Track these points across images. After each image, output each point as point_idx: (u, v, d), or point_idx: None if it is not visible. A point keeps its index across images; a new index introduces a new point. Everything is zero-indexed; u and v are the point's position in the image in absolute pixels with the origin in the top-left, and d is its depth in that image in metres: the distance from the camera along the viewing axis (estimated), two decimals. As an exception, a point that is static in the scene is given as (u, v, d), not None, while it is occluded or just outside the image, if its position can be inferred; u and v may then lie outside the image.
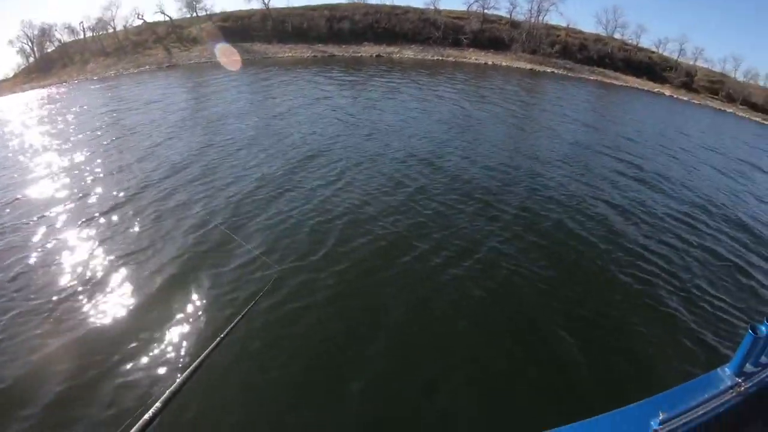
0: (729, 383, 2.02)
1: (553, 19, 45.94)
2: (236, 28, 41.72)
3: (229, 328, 2.06)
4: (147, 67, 42.28)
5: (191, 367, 1.60)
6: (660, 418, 1.74)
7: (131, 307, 5.03)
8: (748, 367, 2.13)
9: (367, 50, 38.80)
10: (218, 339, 1.92)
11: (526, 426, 1.66)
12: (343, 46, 39.14)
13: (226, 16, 43.39)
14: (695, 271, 6.50)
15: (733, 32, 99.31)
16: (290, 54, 39.39)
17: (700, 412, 1.85)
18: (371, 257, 5.96)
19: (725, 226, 8.50)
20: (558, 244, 6.73)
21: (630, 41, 47.11)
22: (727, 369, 2.12)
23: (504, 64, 39.64)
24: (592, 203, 8.51)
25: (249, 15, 42.54)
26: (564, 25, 45.27)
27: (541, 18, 43.86)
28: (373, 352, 4.39)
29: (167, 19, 45.79)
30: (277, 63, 35.96)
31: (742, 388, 1.98)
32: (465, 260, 6.04)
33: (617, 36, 46.62)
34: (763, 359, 2.16)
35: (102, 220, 7.34)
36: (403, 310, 5.03)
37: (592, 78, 40.48)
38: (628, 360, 4.53)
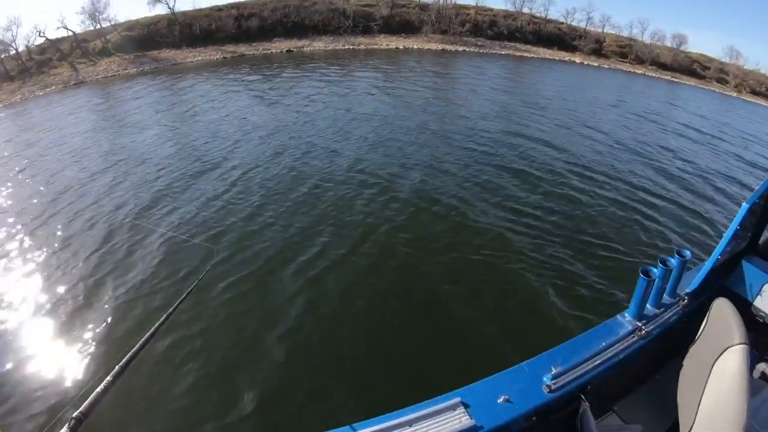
0: (630, 328, 1.96)
1: (461, -1, 47.20)
2: (143, 36, 40.57)
3: (177, 303, 2.04)
4: (53, 87, 40.46)
5: (140, 341, 1.58)
6: (552, 372, 1.67)
7: (71, 303, 5.33)
8: (650, 309, 2.07)
9: (278, 46, 38.65)
10: (167, 313, 1.89)
11: (424, 391, 1.76)
12: (254, 44, 38.85)
13: (131, 25, 42.10)
14: (589, 223, 6.80)
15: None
16: (200, 58, 38.70)
17: (599, 361, 1.76)
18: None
19: (621, 176, 9.22)
20: (448, 208, 7.10)
21: (538, 14, 49.04)
22: (626, 314, 2.05)
23: (416, 47, 40.45)
24: (494, 169, 8.99)
25: (155, 21, 41.46)
26: (473, 3, 46.59)
27: (450, -1, 45.00)
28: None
29: (70, 33, 43.95)
30: (186, 69, 35.34)
31: (644, 331, 1.93)
32: (361, 242, 6.29)
33: (526, 11, 48.40)
34: (666, 299, 2.13)
35: (23, 237, 7.53)
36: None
37: (503, 53, 41.93)
38: (525, 318, 4.62)
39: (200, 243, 6.18)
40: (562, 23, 49.55)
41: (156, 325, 1.73)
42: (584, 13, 50.66)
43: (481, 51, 41.49)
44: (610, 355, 1.81)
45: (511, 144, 11.02)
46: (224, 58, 38.36)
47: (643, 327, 1.96)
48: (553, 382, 1.66)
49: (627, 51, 48.74)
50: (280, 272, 5.57)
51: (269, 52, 38.37)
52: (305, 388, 3.98)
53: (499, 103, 16.71)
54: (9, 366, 4.50)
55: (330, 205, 7.35)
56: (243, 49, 38.49)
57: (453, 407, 1.57)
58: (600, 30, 51.49)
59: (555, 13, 61.15)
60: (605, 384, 1.83)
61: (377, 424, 1.52)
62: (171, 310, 1.93)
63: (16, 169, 12.98)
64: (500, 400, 1.60)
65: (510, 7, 47.79)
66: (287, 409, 3.77)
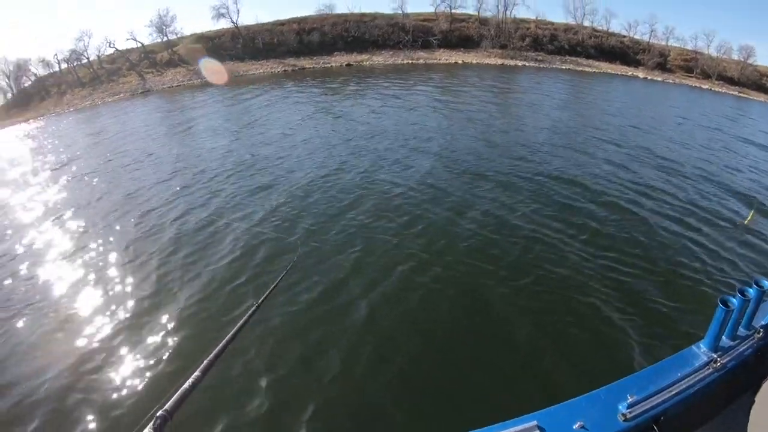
0: (705, 359, 1.94)
1: (520, 12, 46.11)
2: (208, 48, 41.94)
3: (261, 299, 2.16)
4: (122, 94, 42.56)
5: (227, 337, 1.64)
6: (628, 401, 1.67)
7: (153, 302, 5.38)
8: (725, 341, 2.03)
9: (338, 60, 39.04)
10: (251, 309, 1.97)
11: (486, 416, 1.69)
12: (314, 58, 39.39)
13: (197, 38, 43.64)
14: (661, 247, 6.41)
15: (701, 7, 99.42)
16: (262, 70, 39.65)
17: (674, 392, 1.77)
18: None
19: (698, 198, 8.56)
20: (514, 228, 6.77)
21: (600, 27, 47.35)
22: (701, 345, 2.02)
23: (475, 61, 39.89)
24: (558, 187, 8.54)
25: (219, 35, 42.79)
26: (533, 17, 45.50)
27: (509, 13, 44.13)
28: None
29: (139, 45, 46.03)
30: (249, 80, 36.20)
31: (719, 363, 1.90)
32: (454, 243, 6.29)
33: (587, 23, 46.84)
34: (741, 332, 2.09)
35: (106, 232, 7.83)
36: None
37: (564, 67, 40.69)
38: (593, 344, 4.40)
39: (280, 241, 6.16)
40: (624, 37, 47.65)
41: (240, 322, 1.74)
42: (647, 25, 48.40)
43: (541, 66, 40.37)
44: (684, 386, 1.80)
45: (576, 163, 10.41)
46: (285, 70, 39.13)
47: (719, 359, 1.90)
48: (629, 410, 1.65)
49: (692, 65, 46.28)
50: (353, 280, 5.50)
51: (329, 65, 38.80)
52: (370, 401, 3.85)
53: (561, 121, 15.84)
54: (92, 363, 4.44)
55: (401, 220, 7.12)
56: (304, 62, 39.11)
57: (529, 430, 1.58)
58: (664, 43, 49.14)
59: (617, 26, 58.67)
60: (678, 416, 1.81)
61: None
62: (254, 308, 1.97)
63: (92, 166, 13.64)
64: (576, 426, 1.59)
65: (570, 21, 46.38)
66: (348, 422, 3.69)
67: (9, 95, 54.69)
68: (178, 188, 9.80)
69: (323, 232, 6.75)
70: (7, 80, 54.32)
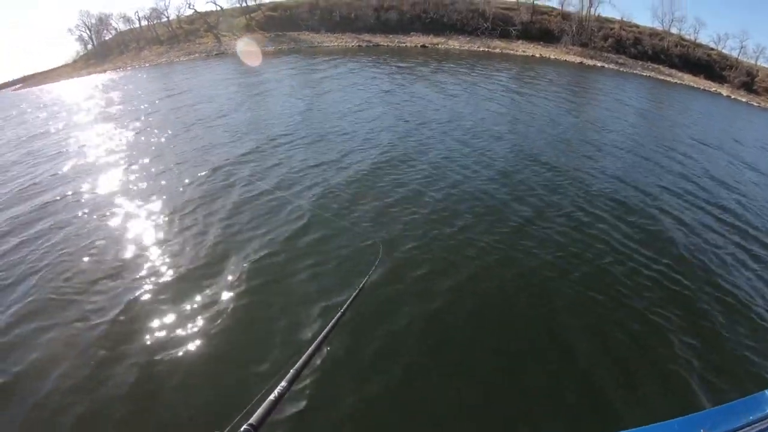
0: None
1: (605, 11, 44.29)
2: (285, 18, 42.60)
3: (348, 303, 2.05)
4: (197, 54, 43.88)
5: (314, 344, 1.56)
6: None
7: (246, 291, 4.81)
8: None
9: (413, 40, 38.72)
10: (338, 314, 1.87)
11: None
12: (390, 36, 39.21)
13: (275, 6, 44.40)
14: (741, 281, 5.93)
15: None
16: (336, 43, 39.89)
17: None
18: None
19: None
20: (580, 243, 6.18)
21: (687, 36, 44.80)
22: None
23: (552, 57, 38.59)
24: (646, 210, 7.66)
25: (297, 5, 43.33)
26: (618, 17, 43.56)
27: (593, 10, 42.43)
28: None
29: (218, 8, 47.31)
30: (322, 52, 36.43)
31: None
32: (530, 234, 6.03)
33: (674, 31, 44.41)
34: None
35: (190, 201, 7.15)
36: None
37: (644, 74, 38.78)
38: (658, 377, 4.12)
39: (365, 237, 5.56)
40: (712, 50, 44.92)
41: (327, 328, 1.67)
42: (737, 40, 45.48)
43: (621, 69, 38.64)
44: (756, 430, 1.74)
45: (653, 173, 9.62)
46: (359, 45, 39.18)
47: None
48: None
49: (782, 89, 43.10)
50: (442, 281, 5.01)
51: (404, 45, 38.55)
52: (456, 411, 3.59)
53: (640, 134, 14.25)
54: (160, 360, 3.90)
55: (486, 218, 6.52)
56: (379, 39, 39.03)
57: None
58: (753, 62, 46.01)
59: (705, 37, 55.54)
60: None
61: None
62: (340, 313, 1.86)
63: (164, 117, 13.91)
64: None
65: (657, 26, 44.09)
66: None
67: (89, 47, 57.58)
68: (245, 152, 9.38)
69: (403, 226, 6.13)
70: (88, 32, 57.11)
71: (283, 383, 1.30)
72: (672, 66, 41.86)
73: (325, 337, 1.62)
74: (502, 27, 38.89)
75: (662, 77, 40.01)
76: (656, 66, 41.07)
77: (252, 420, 1.12)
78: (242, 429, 1.09)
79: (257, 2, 45.53)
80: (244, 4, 45.75)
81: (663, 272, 5.67)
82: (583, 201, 7.50)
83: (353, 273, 4.94)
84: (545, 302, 4.84)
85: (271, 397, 1.23)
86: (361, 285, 2.31)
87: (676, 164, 10.78)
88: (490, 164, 8.85)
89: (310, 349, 1.51)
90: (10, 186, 8.79)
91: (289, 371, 1.37)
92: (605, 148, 11.27)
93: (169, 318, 4.39)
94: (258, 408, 1.18)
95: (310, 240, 5.69)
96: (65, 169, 9.49)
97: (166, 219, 6.51)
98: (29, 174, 9.43)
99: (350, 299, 2.10)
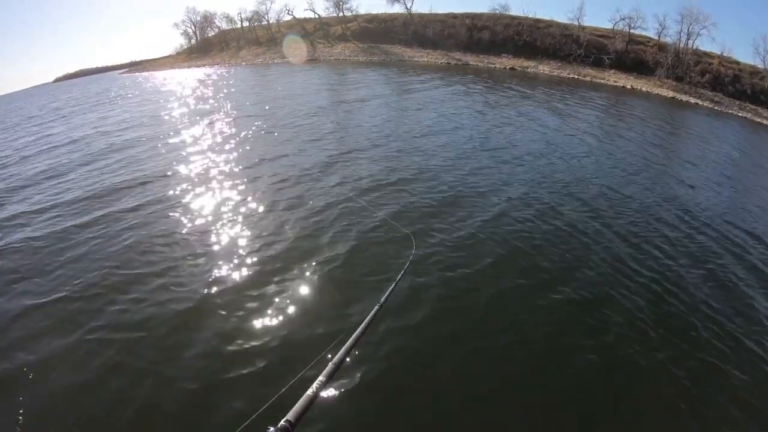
0: None
1: (704, 44, 42.84)
2: (379, 30, 45.01)
3: (387, 294, 2.09)
4: (291, 58, 47.25)
5: (355, 334, 1.56)
6: None
7: (288, 279, 5.19)
8: None
9: (503, 62, 39.79)
10: (378, 305, 1.90)
11: None
12: (480, 56, 40.50)
13: (370, 18, 46.91)
14: None
15: None
16: (426, 59, 41.77)
17: None
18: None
19: None
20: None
21: (793, 77, 42.42)
22: None
23: (644, 89, 38.26)
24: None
25: (392, 18, 45.56)
26: (717, 52, 42.13)
27: (690, 43, 41.38)
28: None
29: (316, 16, 50.67)
30: (412, 66, 38.39)
31: None
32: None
33: (778, 70, 42.24)
34: None
35: (250, 188, 8.20)
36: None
37: (740, 114, 37.46)
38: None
39: (404, 232, 5.66)
40: (820, 92, 42.18)
41: (363, 324, 1.62)
42: None
43: (715, 108, 37.57)
44: None
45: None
46: (449, 63, 40.82)
47: None
48: None
49: None
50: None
51: (493, 66, 39.73)
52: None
53: (729, 185, 12.32)
54: (203, 362, 3.96)
55: (536, 243, 6.51)
56: (469, 58, 40.47)
57: None
58: None
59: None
60: None
61: None
62: (376, 308, 1.83)
63: (256, 112, 15.90)
64: None
65: (758, 63, 42.16)
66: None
67: (192, 41, 63.14)
68: (322, 155, 10.28)
69: (447, 234, 6.46)
70: (192, 28, 62.63)
71: (321, 378, 1.28)
72: (772, 107, 40.02)
73: (363, 331, 1.58)
74: (596, 55, 39.01)
75: (759, 119, 38.32)
76: (755, 107, 39.44)
77: (289, 416, 1.10)
78: (279, 425, 1.07)
79: (354, 13, 48.28)
80: (341, 14, 48.68)
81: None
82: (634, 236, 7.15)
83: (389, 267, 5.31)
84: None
85: (309, 392, 1.21)
86: (396, 281, 2.34)
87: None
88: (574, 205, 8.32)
89: (348, 343, 1.47)
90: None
91: (327, 365, 1.34)
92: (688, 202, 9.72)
93: (231, 304, 4.75)
94: (295, 403, 1.16)
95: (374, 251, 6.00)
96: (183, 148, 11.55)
97: (248, 206, 7.35)
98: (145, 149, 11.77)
99: (386, 294, 2.08)
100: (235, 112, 17.18)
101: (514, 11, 43.40)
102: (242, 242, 6.08)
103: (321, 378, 1.29)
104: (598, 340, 4.64)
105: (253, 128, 13.62)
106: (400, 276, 2.54)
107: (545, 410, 3.76)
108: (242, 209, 7.22)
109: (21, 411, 3.50)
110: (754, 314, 5.63)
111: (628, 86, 38.44)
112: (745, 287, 6.26)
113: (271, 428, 1.08)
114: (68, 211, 7.54)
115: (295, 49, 44.28)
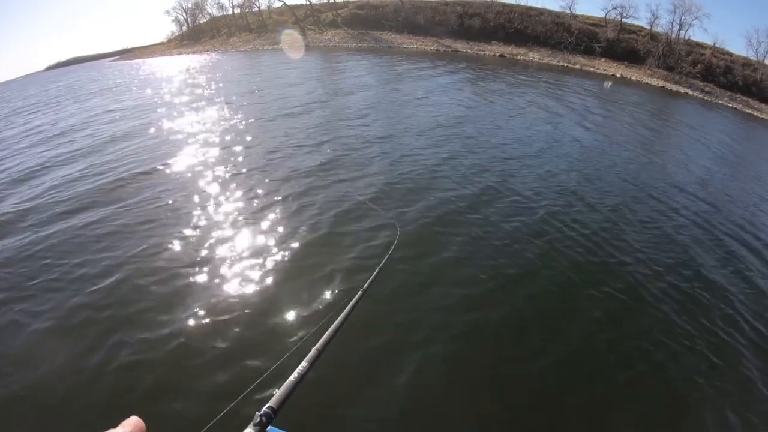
0: None
1: (696, 34, 42.62)
2: (370, 17, 44.58)
3: (370, 280, 2.07)
4: (281, 45, 46.82)
5: (338, 320, 1.55)
6: None
7: (271, 267, 5.07)
8: None
9: (492, 49, 39.45)
10: (361, 290, 1.88)
11: None
12: (470, 43, 40.15)
13: (361, 4, 46.48)
14: None
15: None
16: (416, 46, 41.39)
17: None
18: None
19: None
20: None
21: (786, 70, 42.24)
22: None
23: (634, 78, 37.98)
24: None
25: (383, 5, 45.15)
26: (710, 43, 41.89)
27: (683, 33, 41.11)
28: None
29: (306, 2, 50.19)
30: (402, 53, 38.02)
31: None
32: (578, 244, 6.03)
33: (769, 62, 42.07)
34: None
35: (240, 177, 7.91)
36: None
37: (730, 105, 37.25)
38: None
39: (387, 217, 5.62)
40: (812, 85, 41.98)
41: (347, 308, 1.62)
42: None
43: (705, 98, 37.35)
44: None
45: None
46: (438, 50, 40.45)
47: None
48: None
49: None
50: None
51: (483, 53, 39.40)
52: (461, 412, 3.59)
53: (717, 180, 11.65)
54: (182, 348, 3.89)
55: (523, 234, 6.32)
56: (458, 45, 40.11)
57: None
58: None
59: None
60: None
61: None
62: (360, 293, 1.82)
63: (247, 99, 15.68)
64: None
65: (751, 55, 41.94)
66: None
67: (184, 28, 62.56)
68: (311, 141, 10.11)
69: (429, 217, 6.43)
70: (184, 15, 62.02)
71: (304, 364, 1.26)
72: (762, 100, 39.77)
73: (346, 317, 1.58)
74: (587, 43, 38.70)
75: (748, 110, 38.08)
76: (745, 99, 39.21)
77: (271, 402, 1.07)
78: (262, 412, 1.04)
79: (344, 0, 47.87)
80: (332, 0, 48.26)
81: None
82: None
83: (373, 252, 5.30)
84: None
85: (291, 378, 1.18)
86: (379, 266, 2.30)
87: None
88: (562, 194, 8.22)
89: (331, 329, 1.47)
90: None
91: (310, 351, 1.33)
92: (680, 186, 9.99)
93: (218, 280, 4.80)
94: (277, 391, 1.12)
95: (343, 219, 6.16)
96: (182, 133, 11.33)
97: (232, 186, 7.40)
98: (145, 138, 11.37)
99: (369, 280, 2.06)
100: (222, 98, 16.69)
101: (507, -1, 43.11)
102: (224, 226, 5.97)
103: (303, 364, 1.27)
104: (593, 322, 4.68)
105: (240, 115, 13.40)
106: (383, 262, 2.48)
107: (534, 401, 3.73)
108: (227, 195, 7.13)
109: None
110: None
111: (618, 75, 38.09)
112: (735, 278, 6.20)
113: (256, 413, 1.05)
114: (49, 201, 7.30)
115: (292, 42, 43.90)
